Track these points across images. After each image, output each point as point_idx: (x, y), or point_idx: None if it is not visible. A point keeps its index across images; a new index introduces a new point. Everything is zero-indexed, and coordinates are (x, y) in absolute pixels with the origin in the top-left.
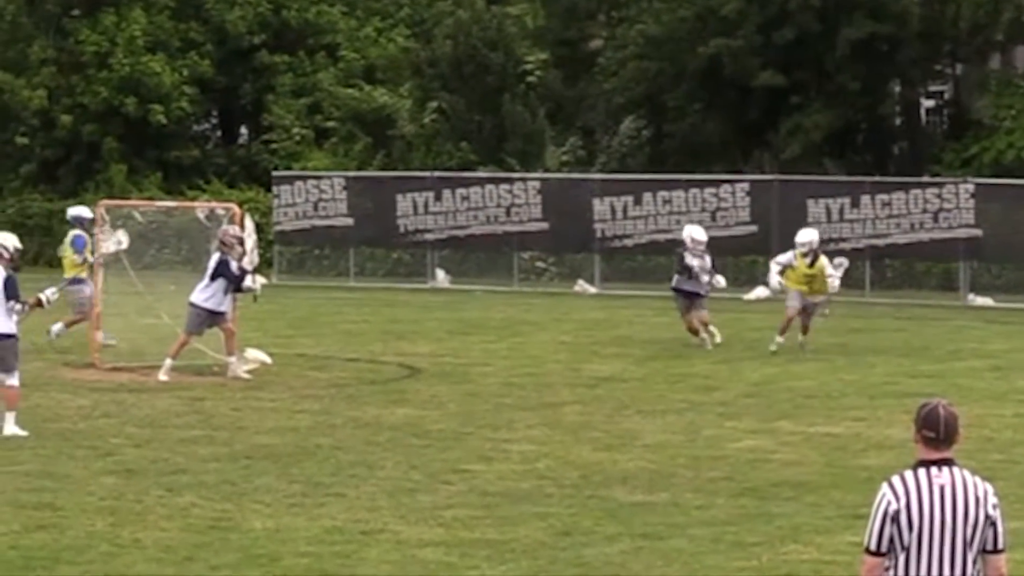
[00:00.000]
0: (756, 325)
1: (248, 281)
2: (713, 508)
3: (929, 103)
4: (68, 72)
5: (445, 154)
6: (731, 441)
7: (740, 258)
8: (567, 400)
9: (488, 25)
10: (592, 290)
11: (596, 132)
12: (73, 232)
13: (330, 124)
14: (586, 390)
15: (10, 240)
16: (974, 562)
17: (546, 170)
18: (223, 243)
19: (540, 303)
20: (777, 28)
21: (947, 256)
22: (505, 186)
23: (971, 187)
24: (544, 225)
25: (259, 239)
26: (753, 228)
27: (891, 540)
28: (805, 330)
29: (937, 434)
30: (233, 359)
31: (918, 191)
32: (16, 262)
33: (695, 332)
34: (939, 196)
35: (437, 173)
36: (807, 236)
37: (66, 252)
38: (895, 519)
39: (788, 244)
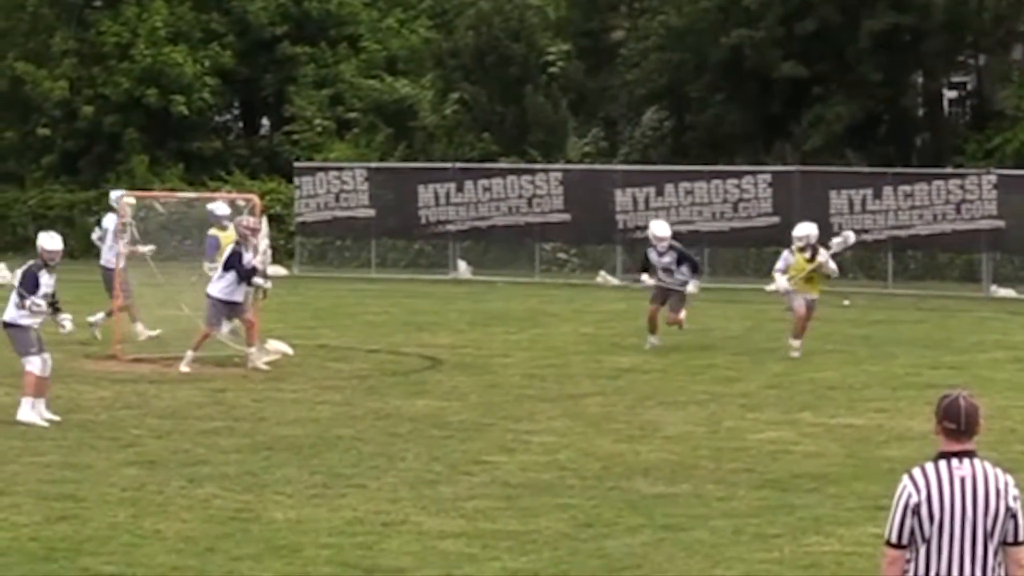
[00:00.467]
0: (778, 316)
1: (259, 280)
2: (735, 500)
3: (952, 94)
4: (90, 63)
5: (467, 145)
6: (753, 433)
7: (762, 249)
8: (589, 391)
9: (510, 16)
10: (614, 281)
11: (618, 123)
12: (209, 233)
13: (352, 115)
14: (608, 381)
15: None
16: (995, 554)
17: (568, 161)
18: (239, 234)
19: (562, 294)
20: (799, 19)
21: (969, 247)
22: (527, 177)
23: (994, 178)
24: (566, 216)
25: (282, 229)
26: (775, 219)
27: (912, 532)
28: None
29: (958, 425)
30: (253, 350)
31: (940, 182)
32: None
33: (653, 328)
34: (962, 187)
35: (459, 164)
36: (804, 230)
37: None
38: (916, 511)
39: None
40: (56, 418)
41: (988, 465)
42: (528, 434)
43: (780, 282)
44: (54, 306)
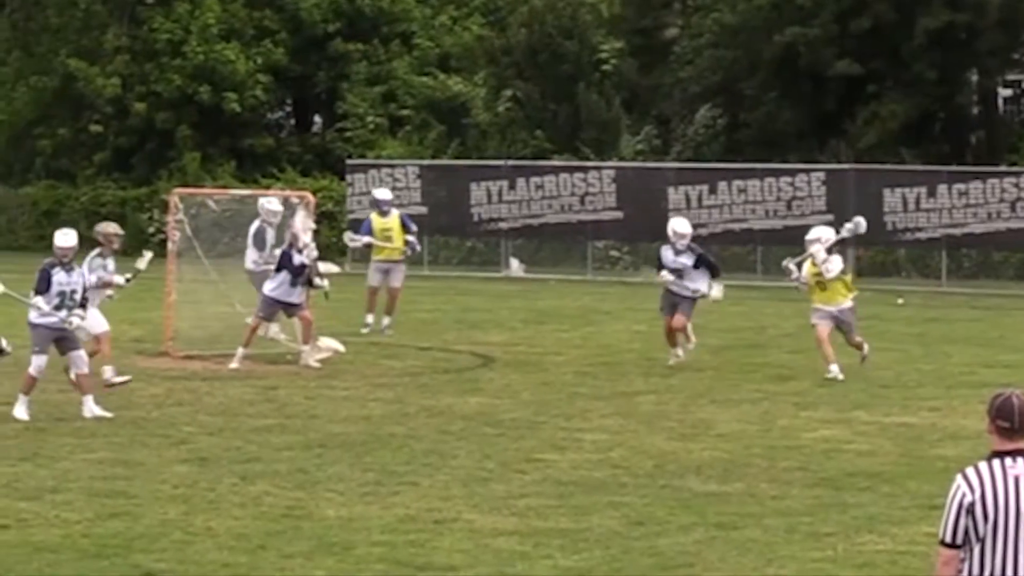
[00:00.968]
0: None
1: (319, 281)
2: (788, 498)
3: (1006, 92)
4: (142, 60)
5: (519, 143)
6: (806, 431)
7: None
8: (641, 389)
9: (563, 13)
10: (669, 278)
11: (671, 121)
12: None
13: (404, 112)
14: (660, 379)
15: (59, 238)
16: None
17: (621, 159)
18: (290, 234)
19: (614, 292)
20: (854, 17)
21: None
22: (580, 175)
23: None
24: (618, 214)
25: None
26: (829, 217)
27: (966, 532)
28: (857, 346)
29: (1012, 424)
30: (307, 348)
31: (995, 180)
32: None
33: (672, 342)
34: (1016, 185)
35: (511, 162)
36: (815, 234)
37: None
38: (970, 511)
39: (864, 234)
40: (108, 415)
41: None
42: (580, 432)
43: (789, 266)
44: (82, 304)
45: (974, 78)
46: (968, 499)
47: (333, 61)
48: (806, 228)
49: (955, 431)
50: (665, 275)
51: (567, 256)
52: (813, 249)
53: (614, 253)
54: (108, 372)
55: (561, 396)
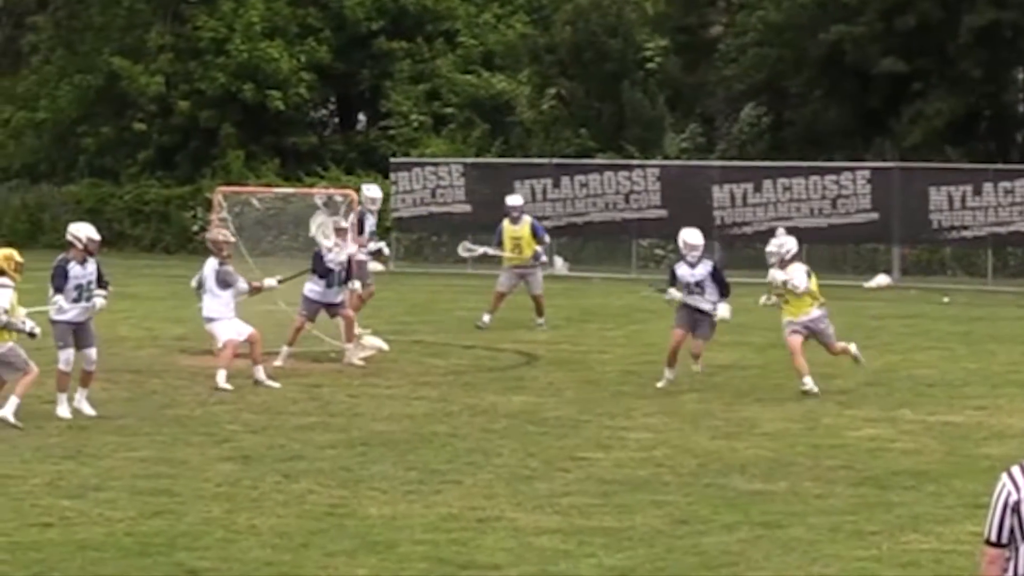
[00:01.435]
0: (877, 313)
1: (353, 284)
2: (832, 497)
3: None
4: (186, 58)
5: (563, 141)
6: (851, 430)
7: (860, 246)
8: (685, 388)
9: (607, 11)
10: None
11: (716, 119)
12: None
13: (448, 110)
14: (704, 378)
15: (83, 230)
16: None
17: (665, 157)
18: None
19: None
20: (899, 15)
21: None
22: (624, 173)
23: None
24: (663, 212)
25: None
26: (874, 216)
27: (1012, 531)
28: (843, 352)
29: None
30: (350, 346)
31: None
32: (94, 252)
33: (672, 361)
34: None
35: (555, 160)
36: (772, 246)
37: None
38: (1015, 510)
39: (910, 232)
40: (94, 412)
41: None
42: (624, 430)
43: (774, 274)
44: (101, 284)
45: (1020, 76)
46: (1014, 498)
47: (377, 59)
48: (851, 226)
49: (1000, 430)
50: (674, 293)
51: (611, 254)
52: (770, 277)
53: (659, 251)
54: (259, 372)
55: (605, 394)
